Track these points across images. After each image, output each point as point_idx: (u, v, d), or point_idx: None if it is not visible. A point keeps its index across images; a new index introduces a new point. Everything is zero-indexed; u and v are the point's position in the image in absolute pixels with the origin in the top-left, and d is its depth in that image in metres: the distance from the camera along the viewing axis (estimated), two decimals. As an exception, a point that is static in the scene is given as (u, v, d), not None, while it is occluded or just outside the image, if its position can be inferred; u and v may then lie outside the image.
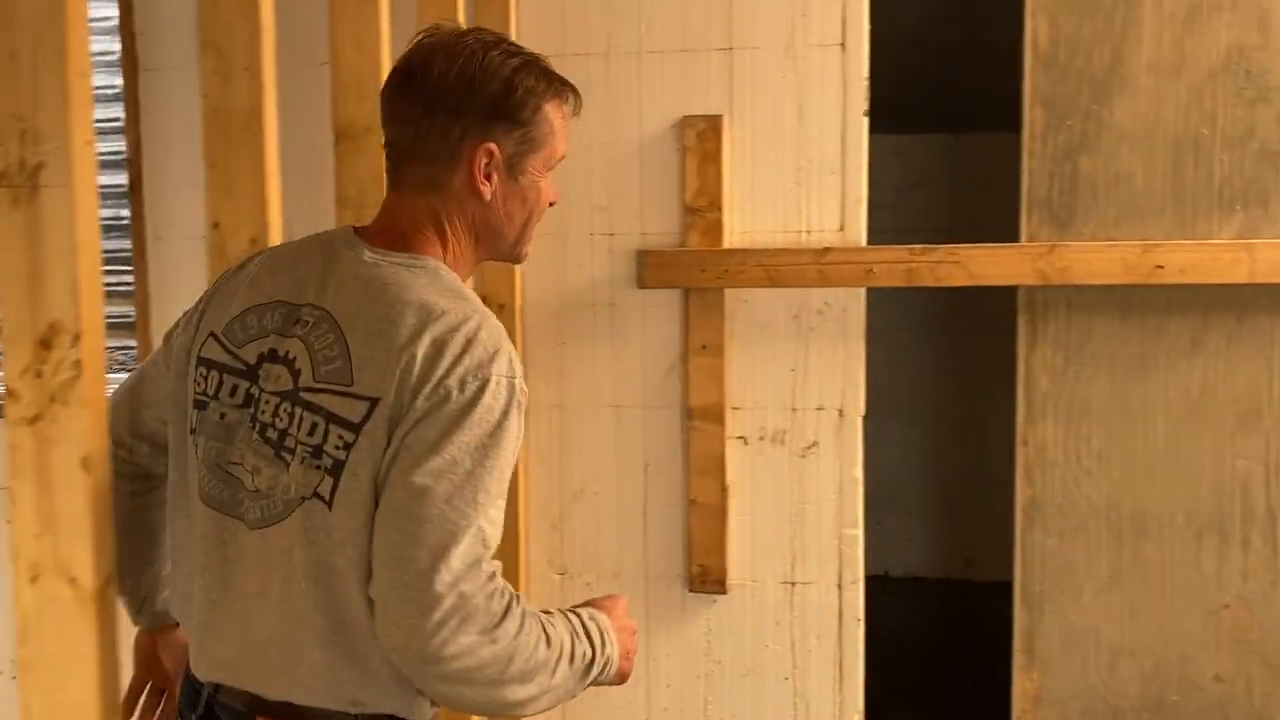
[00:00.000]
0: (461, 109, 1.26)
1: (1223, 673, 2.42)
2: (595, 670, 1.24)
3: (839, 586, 2.63)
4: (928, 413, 4.67)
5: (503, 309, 2.63)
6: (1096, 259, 2.37)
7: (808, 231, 2.58)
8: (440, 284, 1.24)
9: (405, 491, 1.13)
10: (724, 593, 2.66)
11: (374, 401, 1.16)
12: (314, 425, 1.19)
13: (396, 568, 1.12)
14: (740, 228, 2.60)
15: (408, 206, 1.30)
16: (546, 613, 1.23)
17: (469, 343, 1.18)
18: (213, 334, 1.29)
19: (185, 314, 1.38)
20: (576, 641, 1.22)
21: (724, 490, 2.64)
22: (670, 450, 2.69)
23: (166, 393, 1.35)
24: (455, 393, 1.15)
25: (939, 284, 2.45)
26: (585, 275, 2.68)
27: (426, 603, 1.11)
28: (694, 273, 2.56)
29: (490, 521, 1.16)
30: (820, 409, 2.61)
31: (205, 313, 1.33)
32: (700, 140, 2.56)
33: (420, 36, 1.31)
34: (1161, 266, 2.34)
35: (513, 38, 2.54)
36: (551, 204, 1.38)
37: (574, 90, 1.36)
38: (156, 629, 1.49)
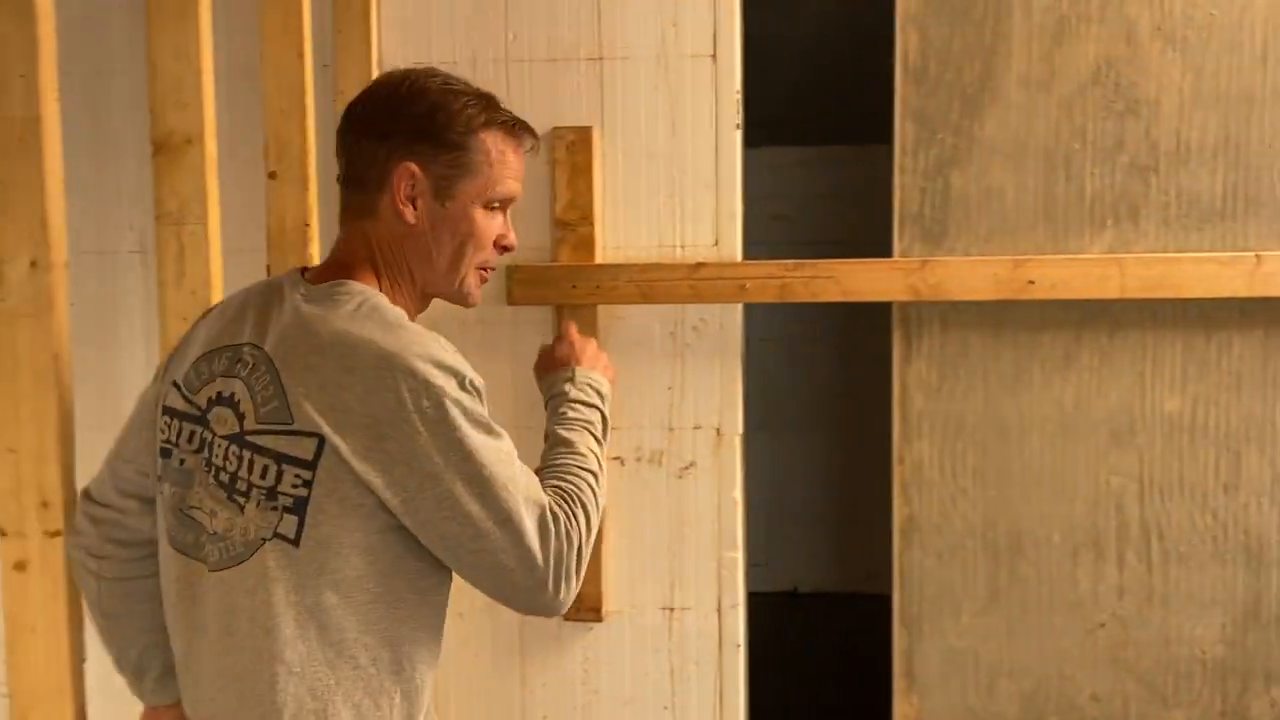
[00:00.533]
0: (388, 129, 1.28)
1: (1100, 692, 2.39)
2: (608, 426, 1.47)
3: (718, 611, 2.56)
4: (832, 424, 4.65)
5: (366, 328, 2.53)
6: (969, 274, 2.33)
7: (682, 246, 2.51)
8: (362, 311, 1.24)
9: (451, 525, 1.20)
10: (600, 620, 2.57)
11: (320, 438, 1.19)
12: (265, 468, 1.21)
13: (498, 580, 1.23)
14: (613, 242, 2.53)
15: (348, 237, 1.33)
16: (566, 441, 1.39)
17: (396, 371, 1.19)
18: (174, 383, 1.32)
19: (157, 368, 1.42)
20: (596, 438, 1.44)
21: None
22: (544, 472, 2.60)
23: (142, 446, 1.36)
24: (415, 422, 1.18)
25: (814, 299, 2.40)
26: (455, 292, 2.59)
27: (537, 587, 1.23)
28: (565, 289, 2.48)
29: (519, 483, 1.23)
30: (698, 428, 2.55)
31: (170, 363, 1.36)
32: (570, 152, 2.48)
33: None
34: (1033, 282, 2.31)
35: (374, 44, 2.45)
36: (505, 249, 1.38)
37: (525, 127, 1.36)
38: (163, 705, 1.44)
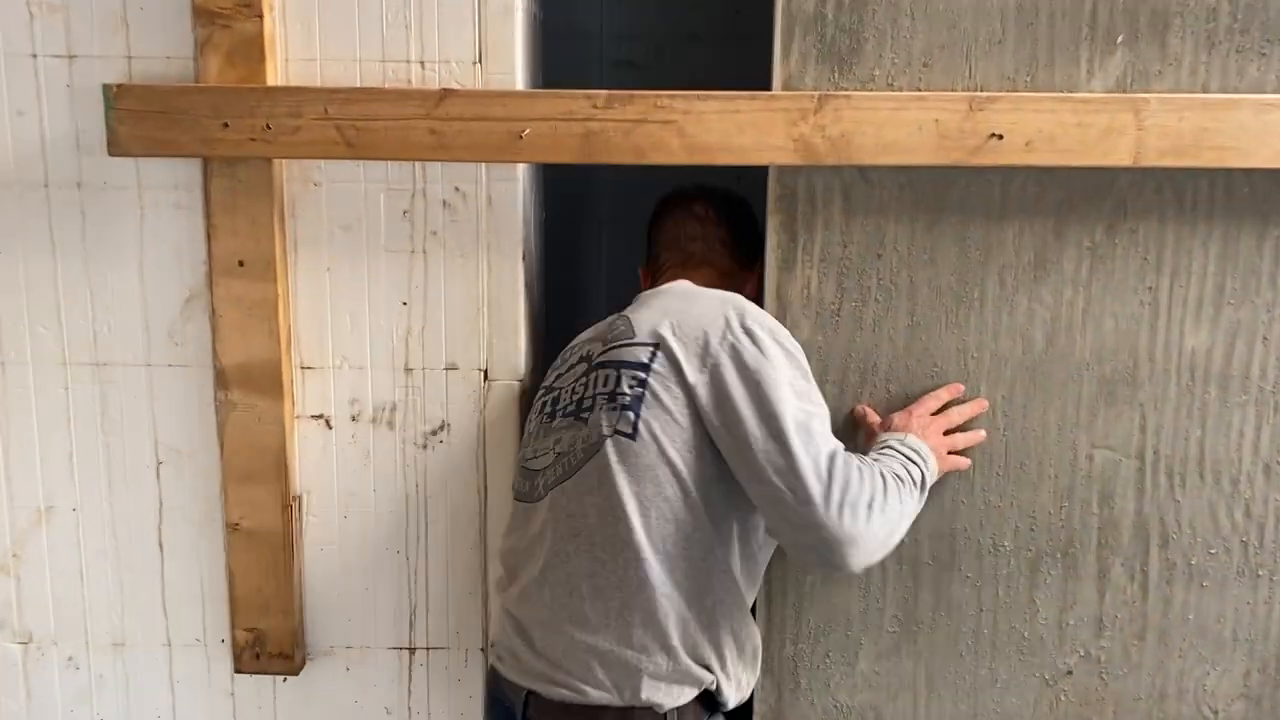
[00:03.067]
0: None
1: (1059, 769, 1.57)
2: (918, 484, 1.36)
3: (484, 649, 1.63)
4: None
5: None
6: (894, 121, 1.39)
7: (421, 63, 1.49)
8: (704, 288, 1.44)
9: (738, 434, 1.27)
10: (295, 672, 1.60)
11: (655, 345, 1.32)
12: (607, 377, 1.34)
13: (776, 501, 1.27)
14: (300, 52, 1.48)
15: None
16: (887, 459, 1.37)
17: (730, 304, 1.35)
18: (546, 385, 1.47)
19: None
20: (912, 478, 1.35)
21: (289, 506, 1.56)
22: (197, 438, 1.58)
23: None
24: (738, 342, 1.30)
25: (641, 160, 1.42)
26: (28, 133, 1.50)
27: (808, 502, 1.25)
28: (212, 129, 1.42)
29: (811, 419, 1.28)
30: (452, 369, 1.56)
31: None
32: (220, -114, 1.40)
33: None
34: (998, 135, 1.39)
35: None
36: None
37: None
38: None
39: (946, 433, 1.46)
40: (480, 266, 1.54)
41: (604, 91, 1.41)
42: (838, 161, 1.41)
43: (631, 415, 1.28)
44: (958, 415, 1.47)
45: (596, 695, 1.28)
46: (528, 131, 1.41)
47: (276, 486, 1.55)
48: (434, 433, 1.58)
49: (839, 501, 1.23)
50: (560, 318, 1.95)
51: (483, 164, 1.50)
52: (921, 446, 1.39)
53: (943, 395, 1.48)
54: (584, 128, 1.41)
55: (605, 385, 1.33)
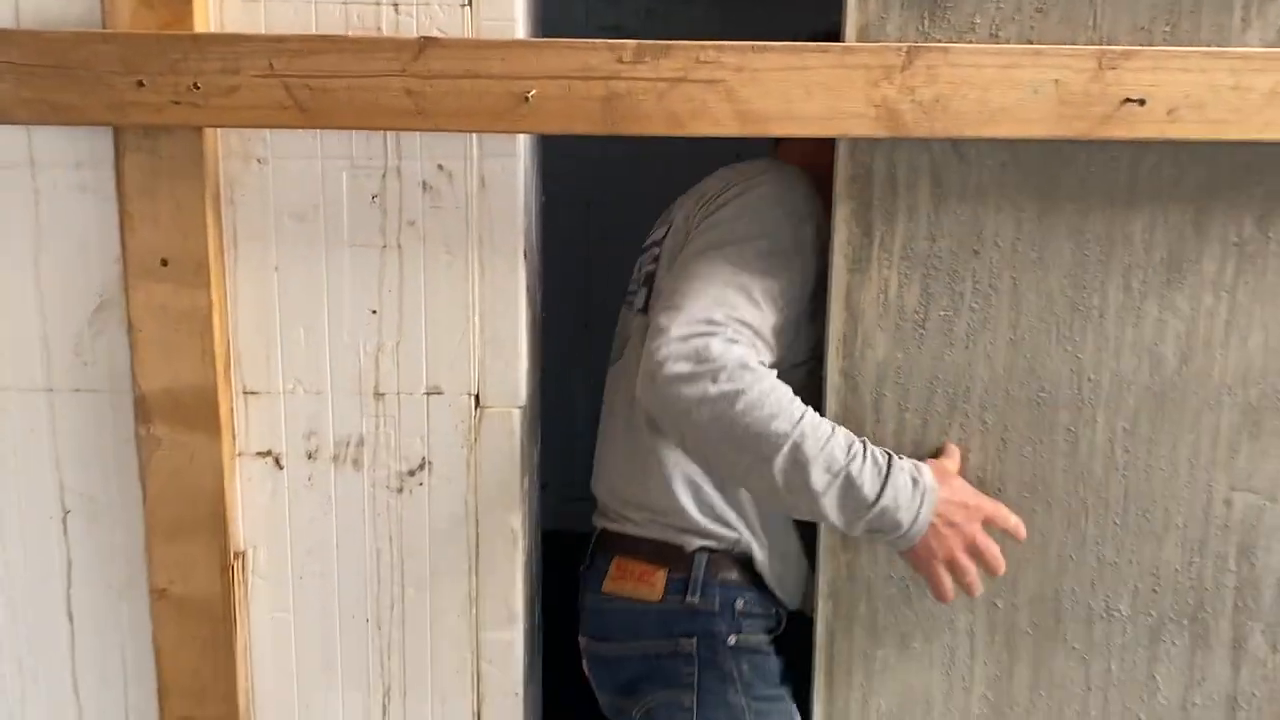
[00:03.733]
0: None
1: None
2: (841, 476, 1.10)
3: (479, 742, 1.32)
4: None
5: None
6: (1002, 80, 1.09)
7: (394, 4, 1.16)
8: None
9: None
10: (239, 772, 1.28)
11: (671, 221, 1.31)
12: (641, 262, 1.37)
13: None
14: (239, -9, 1.16)
15: None
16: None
17: (746, 169, 1.27)
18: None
19: None
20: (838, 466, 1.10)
21: (230, 566, 1.24)
22: (113, 482, 1.26)
23: None
24: (723, 197, 1.24)
25: (678, 130, 1.11)
26: (-114, 93, 1.16)
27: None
28: (124, 89, 1.10)
29: (720, 284, 1.16)
30: (435, 393, 1.25)
31: None
32: None
33: None
34: (1139, 101, 1.09)
35: None
36: None
37: None
38: None
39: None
40: (470, 265, 1.22)
41: (632, 41, 1.09)
42: (930, 133, 1.10)
43: (646, 291, 1.30)
44: (1005, 518, 1.17)
45: (638, 531, 1.30)
46: (534, 93, 1.09)
47: (213, 542, 1.23)
48: (411, 473, 1.26)
49: (685, 355, 1.08)
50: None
51: (474, 135, 1.18)
52: (908, 477, 1.11)
53: (1010, 518, 1.17)
54: (606, 88, 1.10)
55: (637, 271, 1.38)
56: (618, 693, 1.31)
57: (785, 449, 1.08)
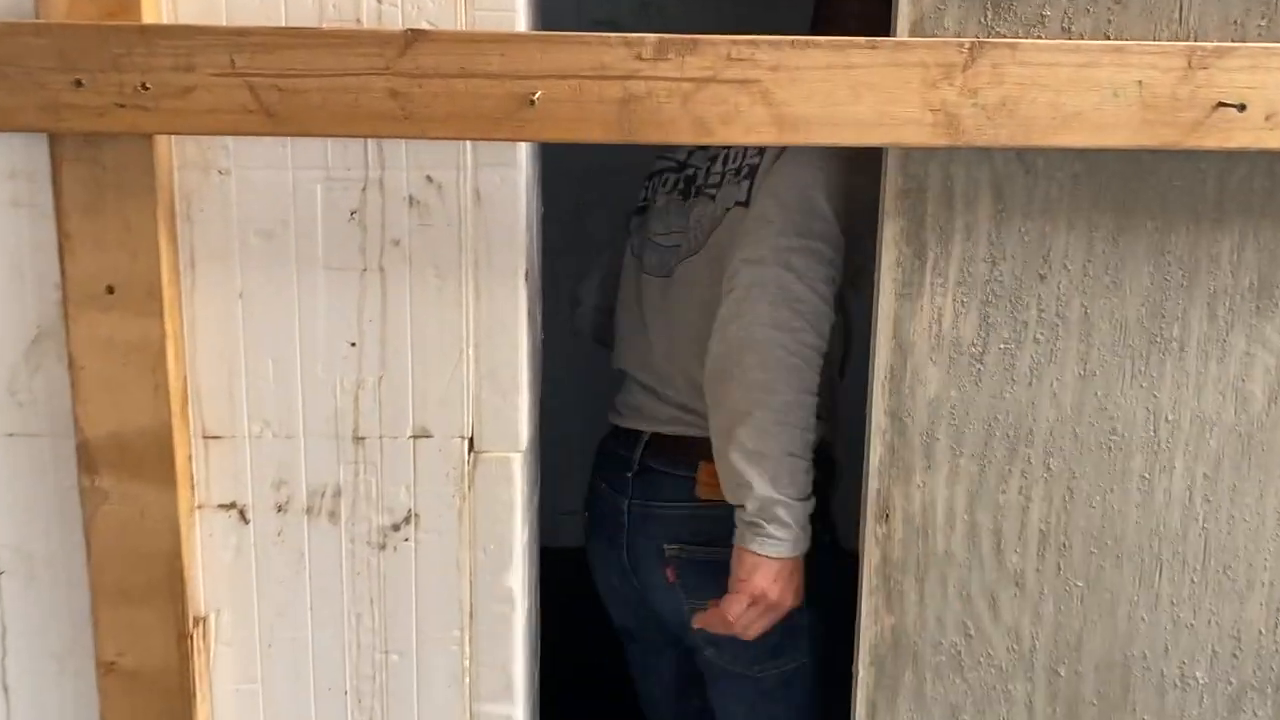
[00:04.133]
0: None
1: None
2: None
3: (472, 826, 1.17)
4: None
5: None
6: (1077, 82, 0.95)
7: (376, -6, 1.01)
8: None
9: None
10: None
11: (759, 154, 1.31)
12: (728, 156, 1.34)
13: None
14: (195, -25, 1.00)
15: None
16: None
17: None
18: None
19: None
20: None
21: (188, 635, 1.08)
22: (54, 539, 1.10)
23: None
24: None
25: (706, 138, 0.96)
26: None
27: None
28: (61, 89, 0.94)
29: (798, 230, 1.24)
30: (423, 436, 1.09)
31: None
32: None
33: None
34: (1238, 106, 0.95)
35: None
36: None
37: None
38: None
39: None
40: (463, 290, 1.07)
41: (653, 36, 0.94)
42: (994, 142, 0.96)
43: (748, 184, 1.28)
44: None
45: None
46: (540, 94, 0.94)
47: (169, 607, 1.07)
48: (395, 527, 1.11)
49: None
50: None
51: (468, 142, 1.03)
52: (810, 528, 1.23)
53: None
54: (623, 89, 0.95)
55: (711, 164, 1.37)
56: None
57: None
